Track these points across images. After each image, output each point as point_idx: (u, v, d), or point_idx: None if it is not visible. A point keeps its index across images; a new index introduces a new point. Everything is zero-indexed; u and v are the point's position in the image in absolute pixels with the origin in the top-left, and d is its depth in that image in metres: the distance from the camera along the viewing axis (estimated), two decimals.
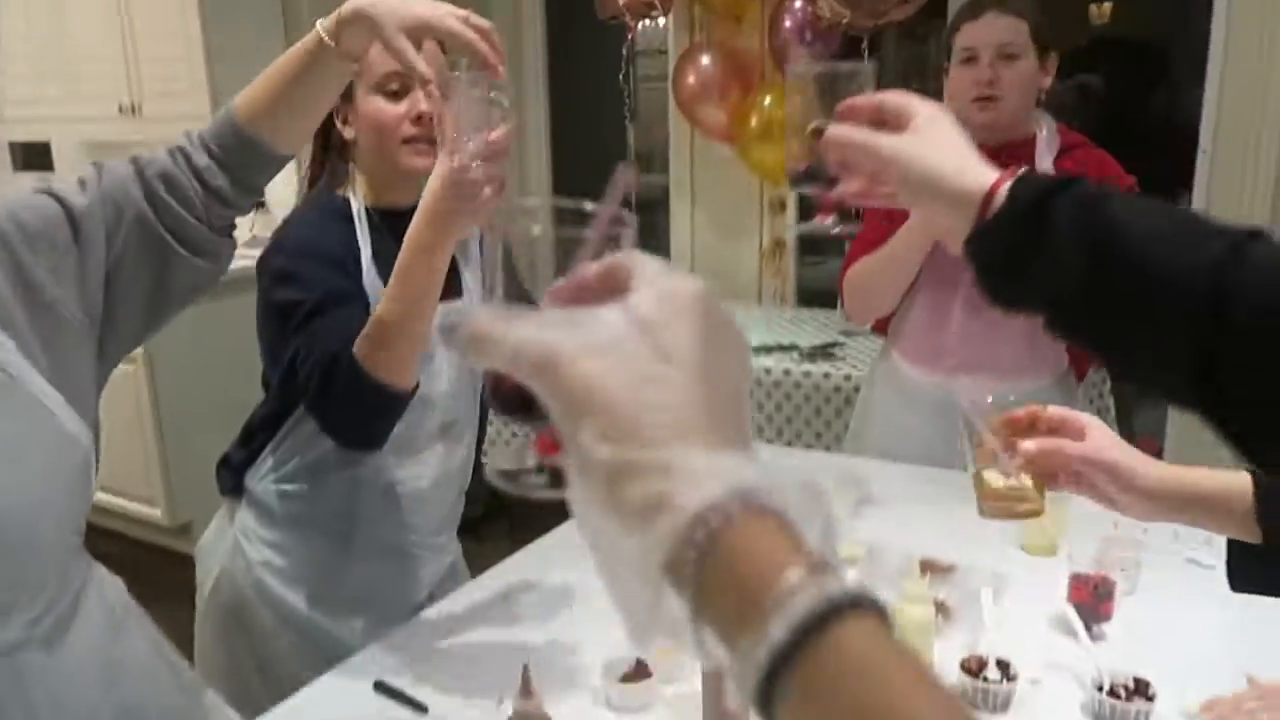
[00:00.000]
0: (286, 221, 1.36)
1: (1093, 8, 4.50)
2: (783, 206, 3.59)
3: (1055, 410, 0.94)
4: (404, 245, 1.14)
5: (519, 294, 0.47)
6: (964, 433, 1.01)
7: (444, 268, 1.14)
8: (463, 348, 0.41)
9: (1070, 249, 0.62)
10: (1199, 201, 2.97)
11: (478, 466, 1.55)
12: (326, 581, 1.40)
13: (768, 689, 0.33)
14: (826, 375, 2.56)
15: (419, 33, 1.03)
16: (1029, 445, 0.90)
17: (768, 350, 2.78)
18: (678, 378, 0.38)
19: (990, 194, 0.65)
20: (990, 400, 0.99)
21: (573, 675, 1.17)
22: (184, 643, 1.23)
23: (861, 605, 0.33)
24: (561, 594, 1.39)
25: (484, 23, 1.05)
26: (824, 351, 2.72)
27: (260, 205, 3.68)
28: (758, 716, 0.34)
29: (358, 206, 1.34)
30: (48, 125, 3.77)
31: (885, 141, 0.71)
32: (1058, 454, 0.90)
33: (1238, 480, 0.86)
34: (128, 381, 3.20)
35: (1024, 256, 0.65)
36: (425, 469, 1.41)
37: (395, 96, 1.28)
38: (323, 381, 1.18)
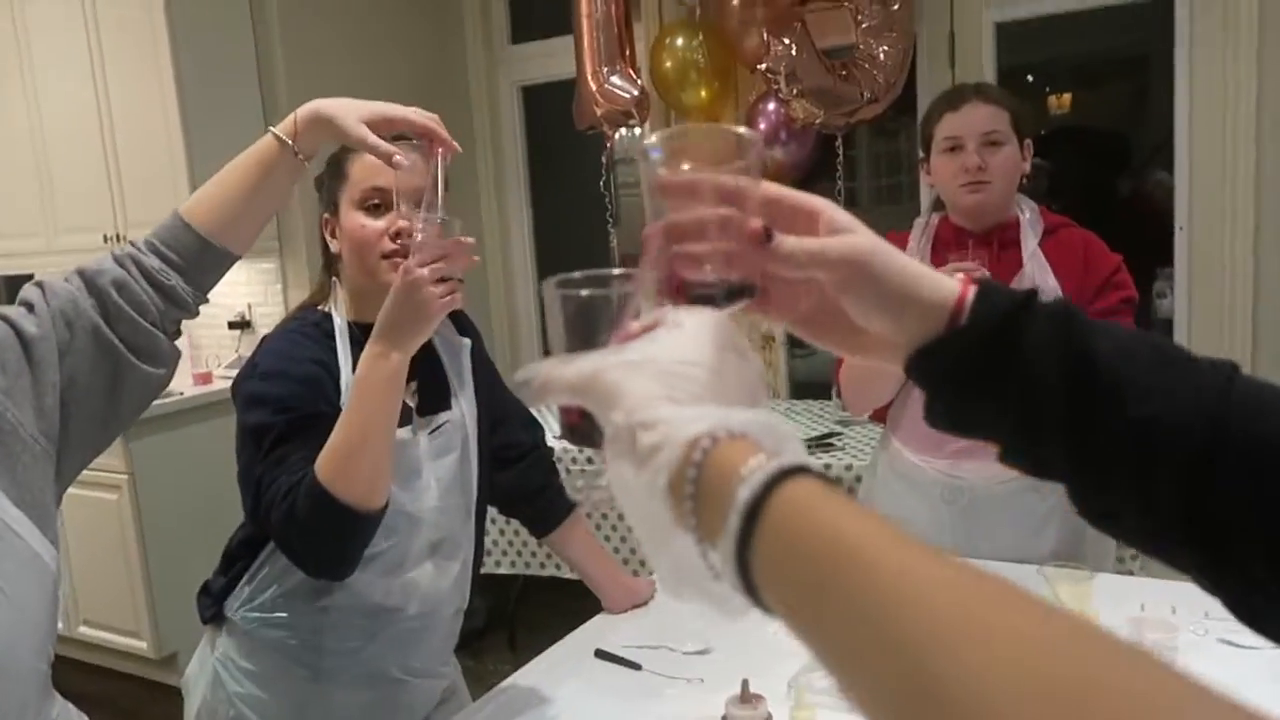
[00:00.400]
0: (264, 340, 1.34)
1: (1051, 99, 4.67)
2: (772, 339, 3.61)
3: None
4: (361, 359, 1.13)
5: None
6: None
7: (401, 380, 1.14)
8: (535, 394, 0.52)
9: (1047, 364, 0.56)
10: (1180, 275, 3.01)
11: (474, 580, 1.49)
12: (308, 715, 1.33)
13: (743, 552, 0.40)
14: (828, 467, 2.52)
15: (377, 126, 1.09)
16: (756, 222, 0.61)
17: None
18: (692, 372, 0.48)
19: (960, 301, 0.57)
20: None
21: None
22: None
23: (806, 471, 0.41)
24: (569, 712, 1.32)
25: (432, 115, 1.15)
26: (822, 443, 2.69)
27: (247, 325, 3.68)
28: (743, 587, 0.40)
29: (340, 321, 1.33)
30: (32, 260, 3.79)
31: (855, 242, 0.58)
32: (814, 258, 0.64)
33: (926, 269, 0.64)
34: (110, 510, 3.13)
35: (995, 368, 0.57)
36: (414, 591, 1.34)
37: (375, 211, 1.30)
38: (287, 507, 1.14)
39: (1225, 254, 2.89)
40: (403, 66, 3.86)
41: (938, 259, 1.66)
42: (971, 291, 0.58)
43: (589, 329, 0.54)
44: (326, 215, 1.35)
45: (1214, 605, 1.15)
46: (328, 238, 1.36)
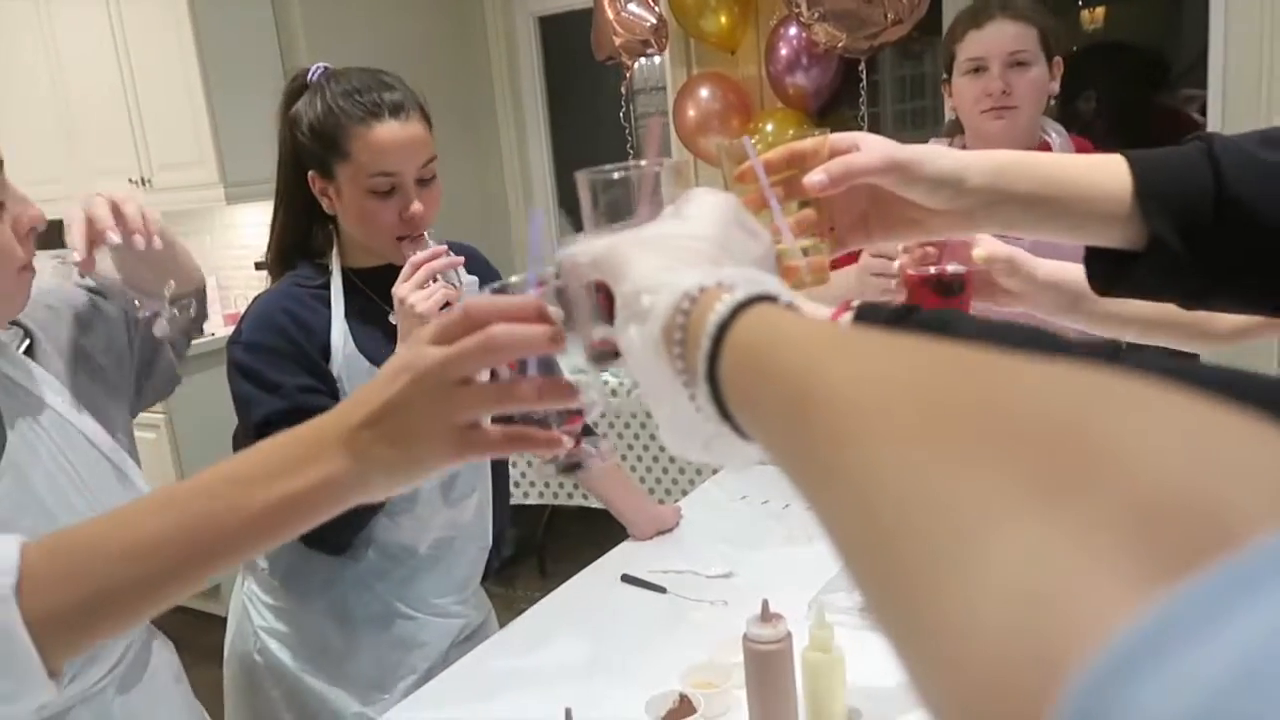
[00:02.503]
0: (255, 299, 1.36)
1: (1084, 14, 4.52)
2: None
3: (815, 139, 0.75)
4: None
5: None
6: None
7: None
8: (566, 272, 0.57)
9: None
10: None
11: (501, 518, 1.52)
12: (328, 648, 1.37)
13: (712, 371, 0.42)
14: None
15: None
16: (814, 175, 0.71)
17: None
18: (697, 246, 0.51)
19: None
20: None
21: (616, 716, 1.15)
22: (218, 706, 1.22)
23: (771, 298, 0.43)
24: (596, 635, 1.36)
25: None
26: None
27: (259, 266, 3.71)
28: (718, 414, 0.43)
29: (338, 277, 1.34)
30: (60, 204, 3.83)
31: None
32: (850, 173, 0.71)
33: (1099, 162, 0.72)
34: (150, 447, 3.21)
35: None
36: (426, 533, 1.38)
37: (384, 195, 1.27)
38: None
39: None
40: (420, 3, 3.81)
41: None
42: None
43: (615, 212, 0.60)
44: (314, 174, 1.30)
45: None
46: (318, 195, 1.31)
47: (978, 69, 1.56)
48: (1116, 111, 4.16)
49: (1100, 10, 4.42)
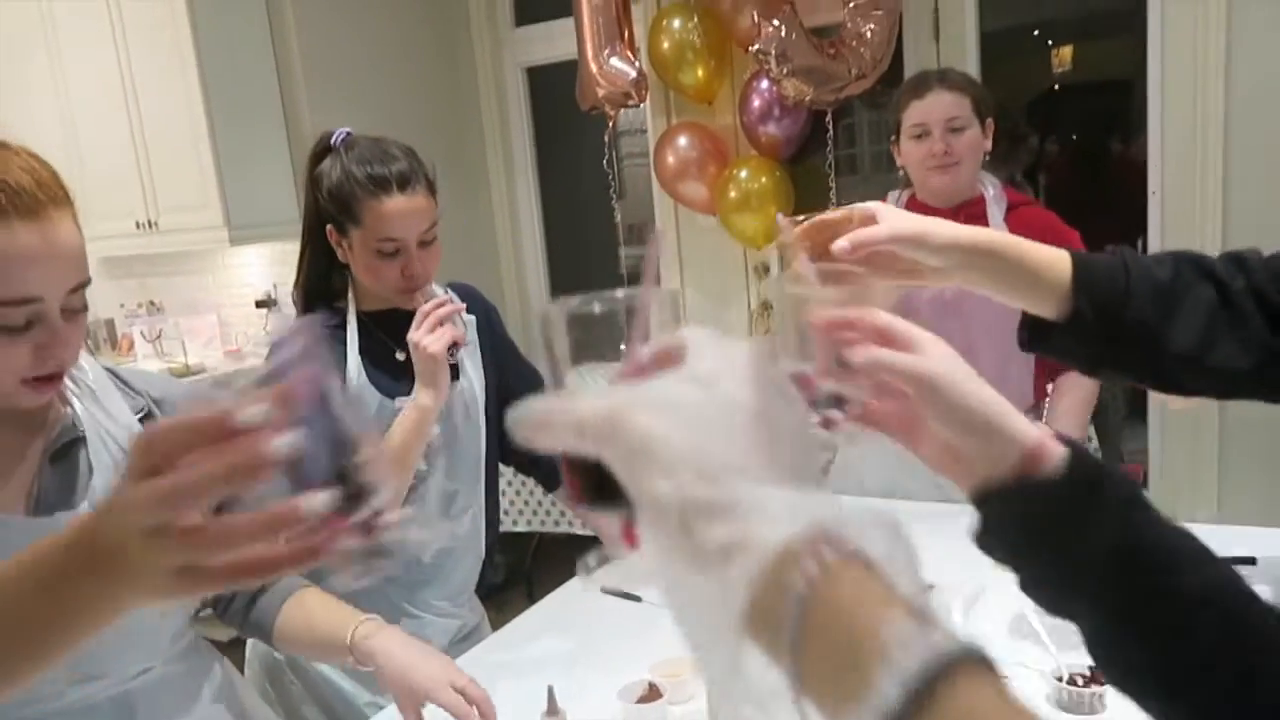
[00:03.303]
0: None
1: (1054, 55, 4.76)
2: (766, 270, 3.78)
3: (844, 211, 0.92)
4: (408, 409, 1.42)
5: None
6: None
7: (433, 419, 1.43)
8: (533, 431, 0.42)
9: (1110, 553, 0.58)
10: (1153, 240, 3.16)
11: (492, 532, 1.69)
12: None
13: None
14: None
15: (415, 700, 1.18)
16: (840, 242, 0.85)
17: None
18: (737, 421, 0.39)
19: (1037, 451, 0.60)
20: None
21: (593, 701, 1.31)
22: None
23: (972, 658, 0.32)
24: (578, 636, 1.53)
25: (479, 691, 1.18)
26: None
27: (273, 303, 3.88)
28: None
29: (353, 321, 1.52)
30: None
31: (932, 368, 0.62)
32: (868, 241, 0.86)
33: (1047, 252, 0.90)
34: None
35: (1063, 529, 0.59)
36: (429, 542, 1.53)
37: (389, 256, 1.46)
38: None
39: (1195, 218, 3.05)
40: (413, 51, 4.03)
41: None
42: (1054, 447, 0.60)
43: (594, 352, 0.48)
44: (332, 228, 1.49)
45: None
46: (335, 246, 1.50)
47: (921, 134, 1.78)
48: (1074, 156, 4.38)
49: (1067, 51, 4.65)
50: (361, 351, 1.51)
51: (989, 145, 1.85)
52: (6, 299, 0.93)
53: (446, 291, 1.56)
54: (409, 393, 1.45)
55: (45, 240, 0.96)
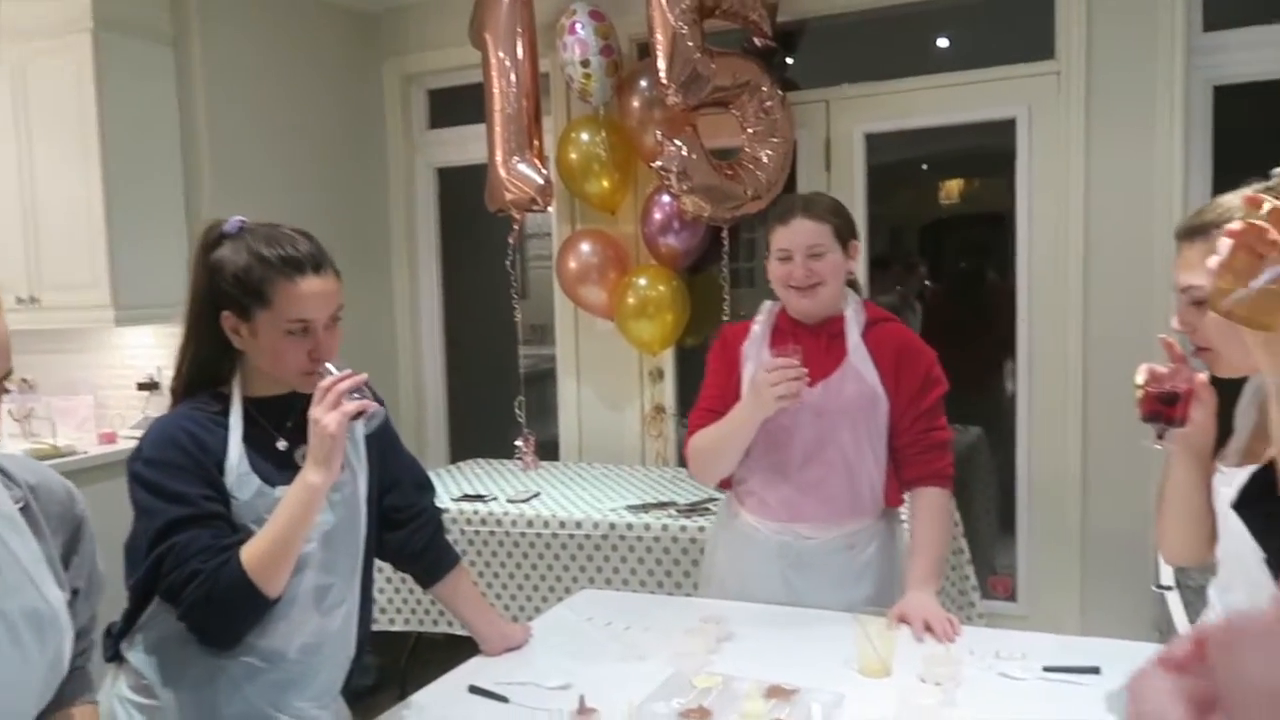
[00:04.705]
0: (155, 421, 1.50)
1: (940, 188, 5.11)
2: (660, 375, 3.86)
3: None
4: (295, 488, 1.40)
5: None
6: None
7: (323, 499, 1.42)
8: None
9: None
10: (1022, 366, 3.37)
11: (364, 629, 1.64)
12: None
13: None
14: (701, 529, 2.75)
15: None
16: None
17: (647, 508, 2.97)
18: None
19: None
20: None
21: None
22: None
23: None
24: None
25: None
26: (699, 508, 2.92)
27: (155, 387, 3.76)
28: None
29: (238, 406, 1.50)
30: None
31: None
32: None
33: None
34: None
35: None
36: (295, 636, 1.48)
37: (297, 337, 1.46)
38: (205, 591, 1.35)
39: (1060, 344, 3.27)
40: (325, 144, 4.07)
41: (776, 341, 1.91)
42: None
43: None
44: (229, 314, 1.46)
45: (1004, 646, 1.41)
46: (229, 333, 1.48)
47: (784, 257, 1.88)
48: (955, 281, 4.66)
49: (954, 185, 5.00)
50: (245, 439, 1.48)
51: (853, 266, 1.95)
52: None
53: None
54: (289, 482, 1.43)
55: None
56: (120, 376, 3.89)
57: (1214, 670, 0.37)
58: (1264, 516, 1.06)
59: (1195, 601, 1.82)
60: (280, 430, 1.52)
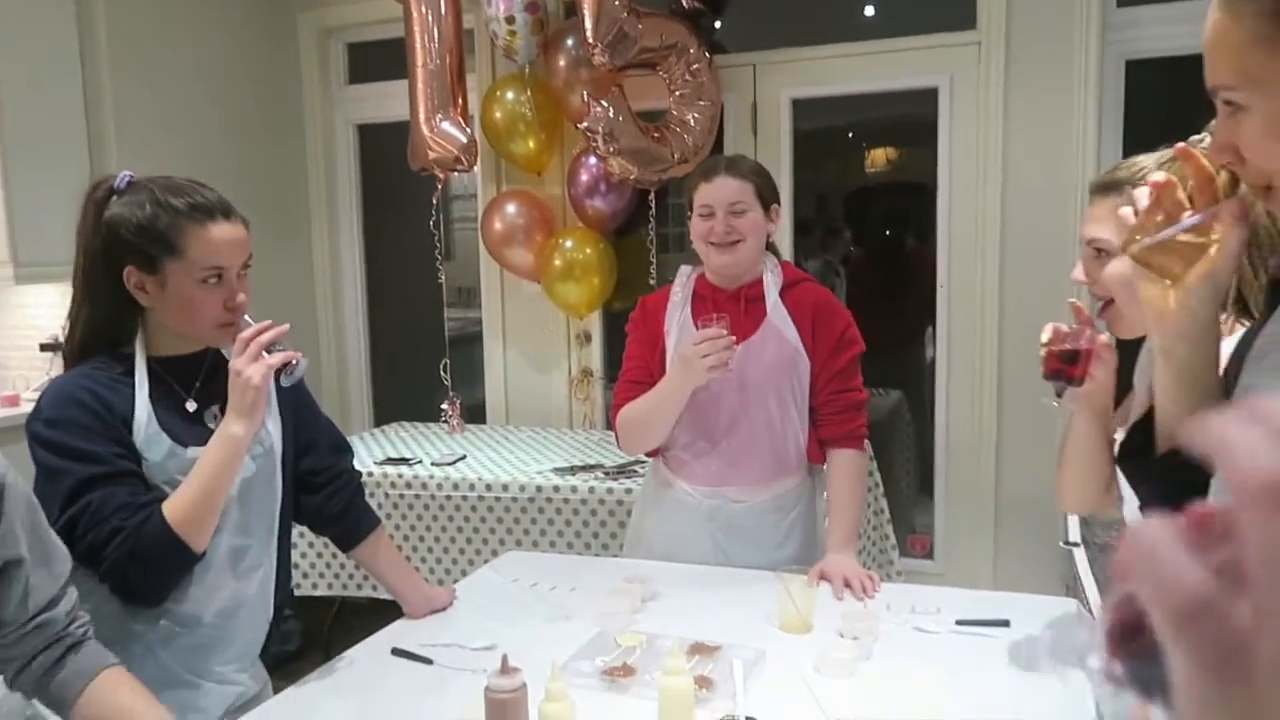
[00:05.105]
0: (53, 381, 1.43)
1: (867, 156, 5.17)
2: (588, 338, 3.85)
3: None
4: (216, 441, 1.37)
5: None
6: None
7: (244, 450, 1.40)
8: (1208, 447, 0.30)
9: None
10: (941, 330, 3.45)
11: (282, 593, 1.61)
12: None
13: None
14: (628, 491, 2.76)
15: None
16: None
17: (574, 471, 2.97)
18: None
19: None
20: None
21: None
22: None
23: None
24: (364, 701, 1.47)
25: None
26: (626, 470, 2.94)
27: (59, 347, 3.60)
28: None
29: (142, 365, 1.44)
30: None
31: None
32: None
33: None
34: None
35: None
36: (211, 599, 1.46)
37: (214, 286, 1.41)
38: (129, 548, 1.32)
39: (976, 308, 3.35)
40: (239, 101, 3.93)
41: (697, 309, 1.93)
42: None
43: None
44: (132, 269, 1.40)
45: (920, 601, 1.44)
46: (133, 290, 1.41)
47: (706, 214, 1.88)
48: (877, 248, 4.74)
49: (879, 153, 5.07)
50: (152, 399, 1.43)
51: (774, 229, 1.96)
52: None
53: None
54: (203, 442, 1.39)
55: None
56: (23, 337, 3.71)
57: (1246, 539, 0.28)
58: (1140, 468, 1.09)
59: (1100, 558, 1.90)
60: (188, 391, 1.47)
